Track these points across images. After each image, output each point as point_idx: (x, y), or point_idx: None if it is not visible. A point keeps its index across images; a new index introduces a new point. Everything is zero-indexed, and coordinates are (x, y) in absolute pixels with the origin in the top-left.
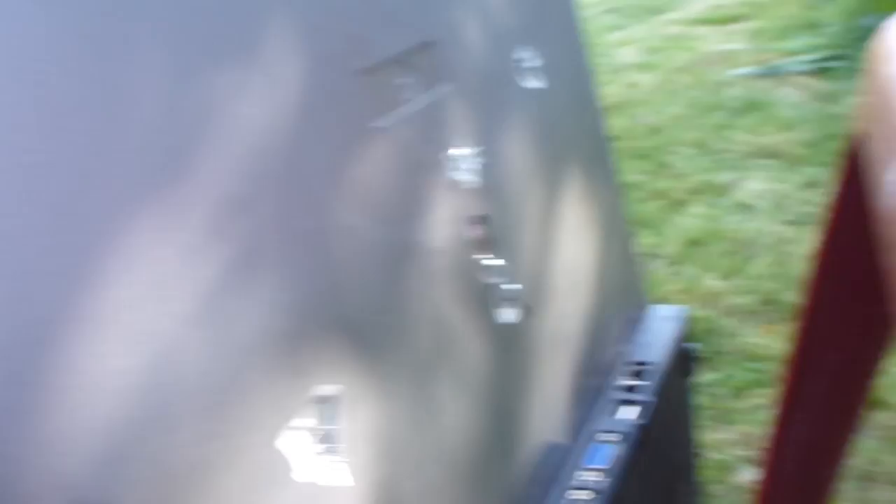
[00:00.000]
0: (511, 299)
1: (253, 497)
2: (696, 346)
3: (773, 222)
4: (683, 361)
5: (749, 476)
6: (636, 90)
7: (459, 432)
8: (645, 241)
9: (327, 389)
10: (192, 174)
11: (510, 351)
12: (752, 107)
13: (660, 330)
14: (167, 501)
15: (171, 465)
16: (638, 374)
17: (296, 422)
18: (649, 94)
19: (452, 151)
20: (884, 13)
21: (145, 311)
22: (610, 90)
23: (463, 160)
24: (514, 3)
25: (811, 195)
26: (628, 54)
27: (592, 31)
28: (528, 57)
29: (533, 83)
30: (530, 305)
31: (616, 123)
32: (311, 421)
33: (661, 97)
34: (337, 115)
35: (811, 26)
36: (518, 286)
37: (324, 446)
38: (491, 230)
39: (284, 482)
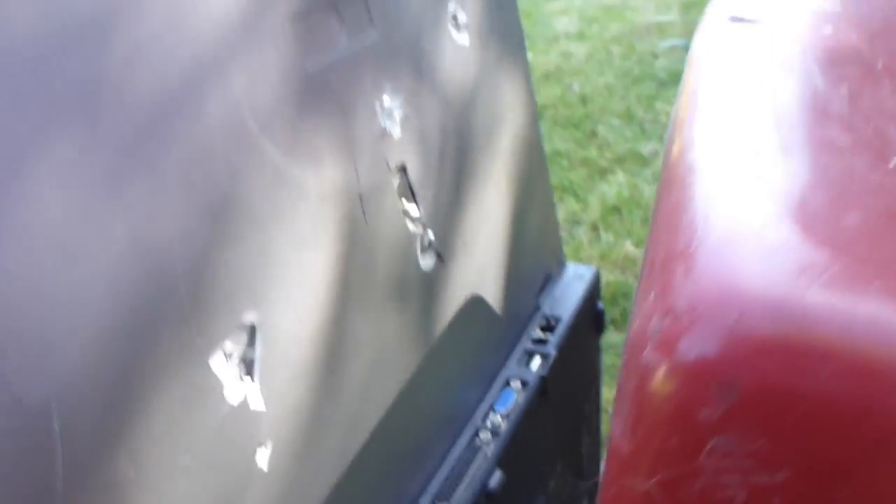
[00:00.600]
0: (427, 247)
1: (179, 415)
2: (602, 307)
3: None
4: (592, 319)
5: None
6: (570, 59)
7: (376, 369)
8: (568, 207)
9: (251, 317)
10: (115, 110)
11: (428, 297)
12: (679, 78)
13: (572, 288)
14: (100, 414)
15: (106, 379)
16: (548, 328)
17: (222, 346)
18: (582, 63)
19: (380, 99)
20: None
21: (76, 228)
22: (545, 59)
23: (390, 108)
24: None
25: None
26: (565, 23)
27: (532, 0)
28: (460, 11)
29: (463, 38)
30: (441, 254)
31: (549, 92)
32: (233, 346)
33: (593, 67)
34: (269, 56)
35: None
36: (432, 235)
37: (244, 371)
38: (411, 179)
39: (208, 404)
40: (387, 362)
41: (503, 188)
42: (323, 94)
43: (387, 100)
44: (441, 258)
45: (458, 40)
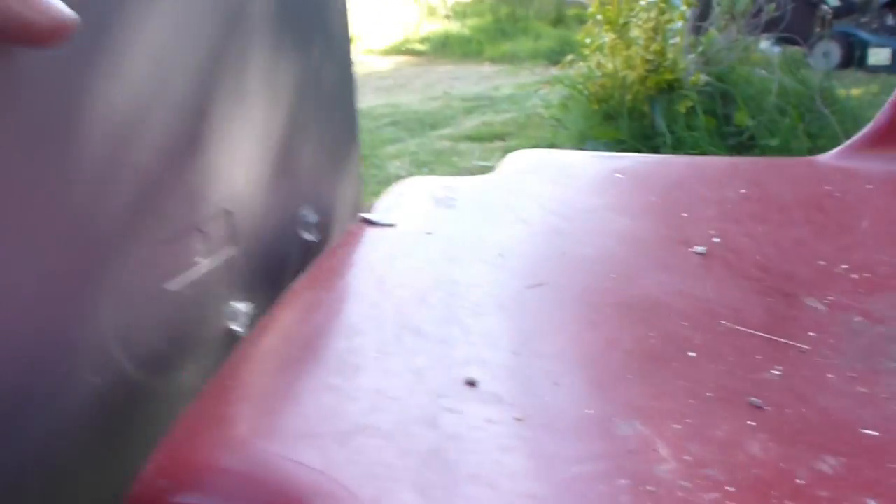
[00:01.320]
0: None
1: None
2: None
3: None
4: None
5: None
6: None
7: None
8: None
9: None
10: None
11: None
12: None
13: None
14: None
15: None
16: None
17: None
18: None
19: (232, 306)
20: (601, 140)
21: None
22: (373, 201)
23: (238, 310)
24: (303, 167)
25: None
26: (397, 166)
27: (372, 143)
28: (311, 214)
29: (312, 235)
30: None
31: None
32: None
33: None
34: (134, 280)
35: (552, 147)
36: None
37: None
38: None
39: None
40: None
41: None
42: (178, 308)
43: (236, 304)
44: None
45: (307, 237)
